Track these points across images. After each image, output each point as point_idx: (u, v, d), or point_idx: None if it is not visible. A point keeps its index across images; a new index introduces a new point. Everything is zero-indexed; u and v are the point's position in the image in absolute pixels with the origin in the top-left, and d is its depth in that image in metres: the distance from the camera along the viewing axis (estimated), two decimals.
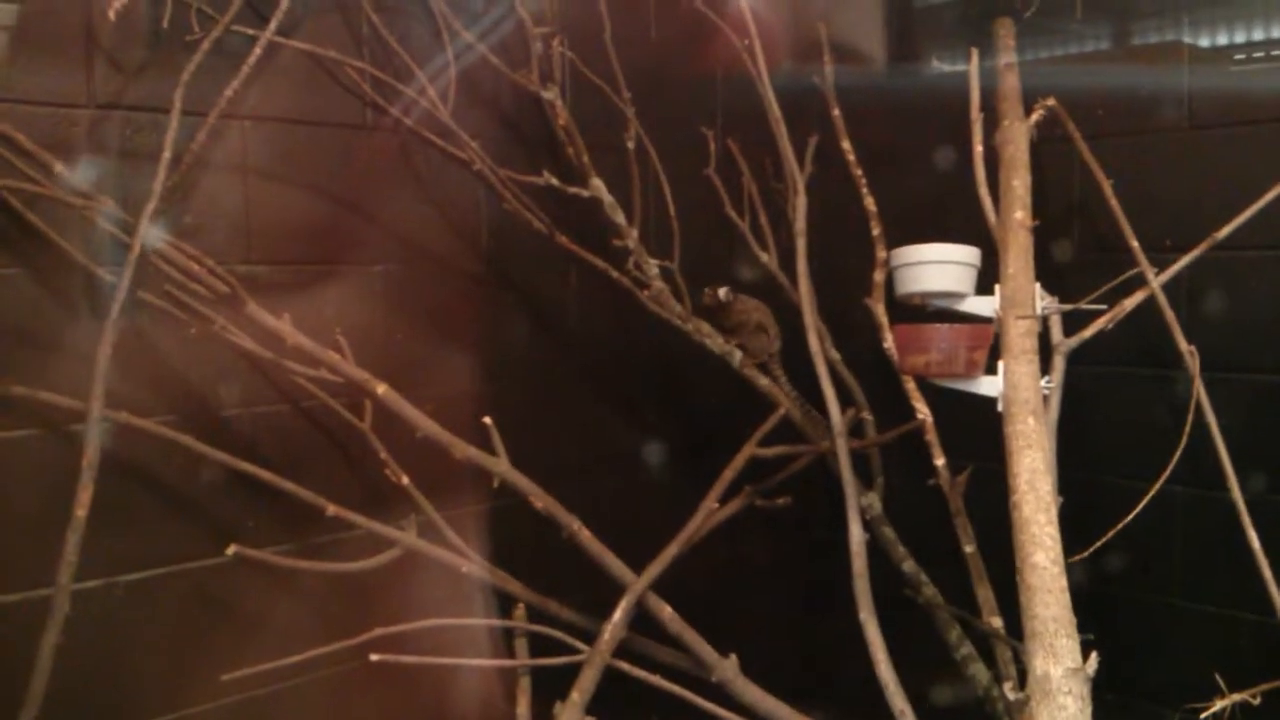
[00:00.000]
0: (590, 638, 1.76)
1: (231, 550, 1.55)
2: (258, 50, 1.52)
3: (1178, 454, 1.69)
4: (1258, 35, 1.95)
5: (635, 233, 1.91)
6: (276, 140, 1.64)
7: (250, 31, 1.55)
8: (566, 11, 1.89)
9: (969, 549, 1.93)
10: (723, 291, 1.95)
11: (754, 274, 2.14)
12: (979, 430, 1.79)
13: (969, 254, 1.92)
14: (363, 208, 1.75)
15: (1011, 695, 1.43)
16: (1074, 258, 1.99)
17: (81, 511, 1.38)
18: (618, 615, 1.75)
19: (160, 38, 1.50)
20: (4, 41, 1.43)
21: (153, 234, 1.45)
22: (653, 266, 1.92)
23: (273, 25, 1.55)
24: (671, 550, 1.83)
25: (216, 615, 1.61)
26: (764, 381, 2.01)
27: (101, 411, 1.40)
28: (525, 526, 1.78)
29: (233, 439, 1.60)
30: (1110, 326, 1.80)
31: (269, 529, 1.64)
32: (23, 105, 1.43)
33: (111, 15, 1.41)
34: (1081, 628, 1.42)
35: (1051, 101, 1.87)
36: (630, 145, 1.92)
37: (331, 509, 1.63)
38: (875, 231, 2.07)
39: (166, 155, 1.46)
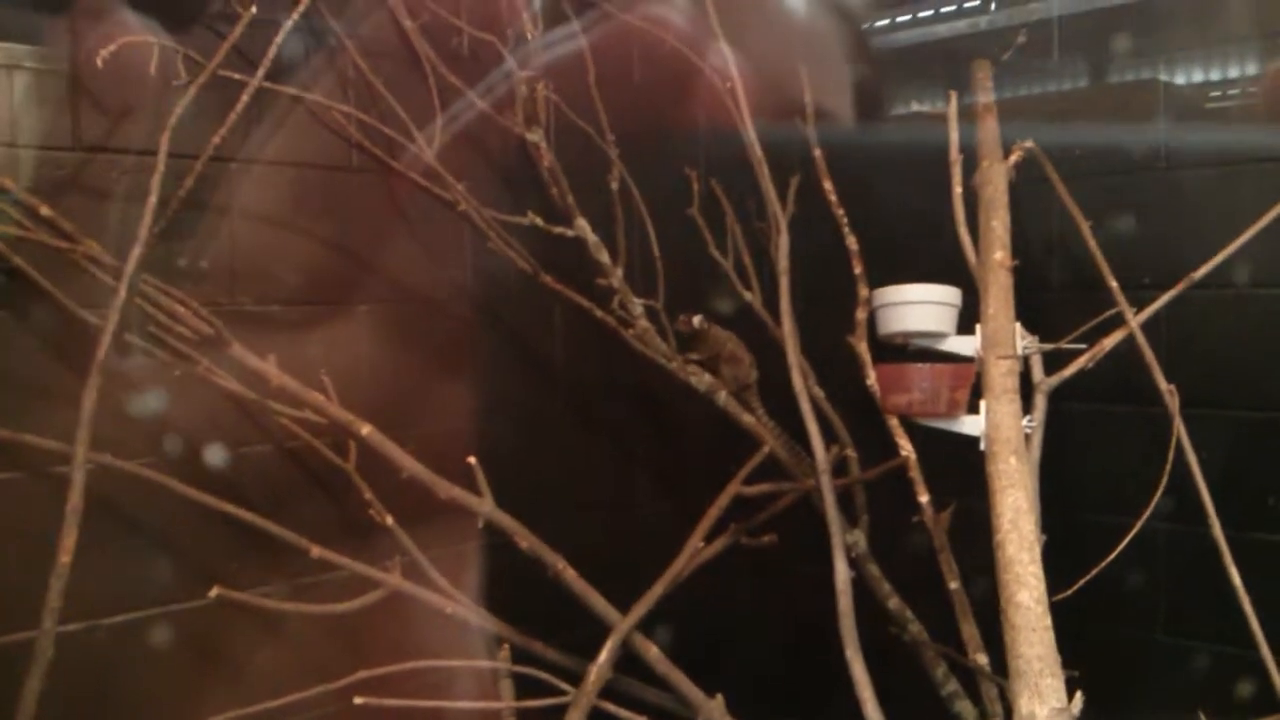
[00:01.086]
0: (576, 678, 1.76)
1: (214, 593, 1.55)
2: (245, 97, 1.54)
3: (1159, 491, 1.71)
4: (1233, 73, 1.98)
5: (619, 272, 1.92)
6: (262, 183, 1.65)
7: (237, 76, 1.56)
8: (551, 55, 1.90)
9: (954, 585, 1.94)
10: (696, 320, 1.96)
11: (737, 312, 2.15)
12: (962, 466, 1.80)
13: (950, 294, 1.93)
14: (349, 249, 1.75)
15: None
16: (1054, 297, 2.01)
17: (66, 557, 1.37)
18: (603, 656, 1.74)
19: (147, 82, 1.51)
20: None
21: (138, 277, 1.45)
22: (637, 305, 1.94)
23: (260, 73, 1.56)
24: (657, 590, 1.83)
25: (200, 658, 1.60)
26: (748, 419, 2.02)
27: (86, 456, 1.40)
28: (511, 566, 1.78)
29: (217, 480, 1.59)
30: (1091, 365, 1.82)
31: (253, 570, 1.63)
32: (8, 148, 1.44)
33: (100, 63, 1.42)
34: (1066, 665, 1.42)
35: (1030, 144, 1.90)
36: (614, 186, 1.93)
37: (316, 550, 1.62)
38: (857, 270, 2.09)
39: (153, 199, 1.47)
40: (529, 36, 1.83)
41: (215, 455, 1.60)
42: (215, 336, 1.53)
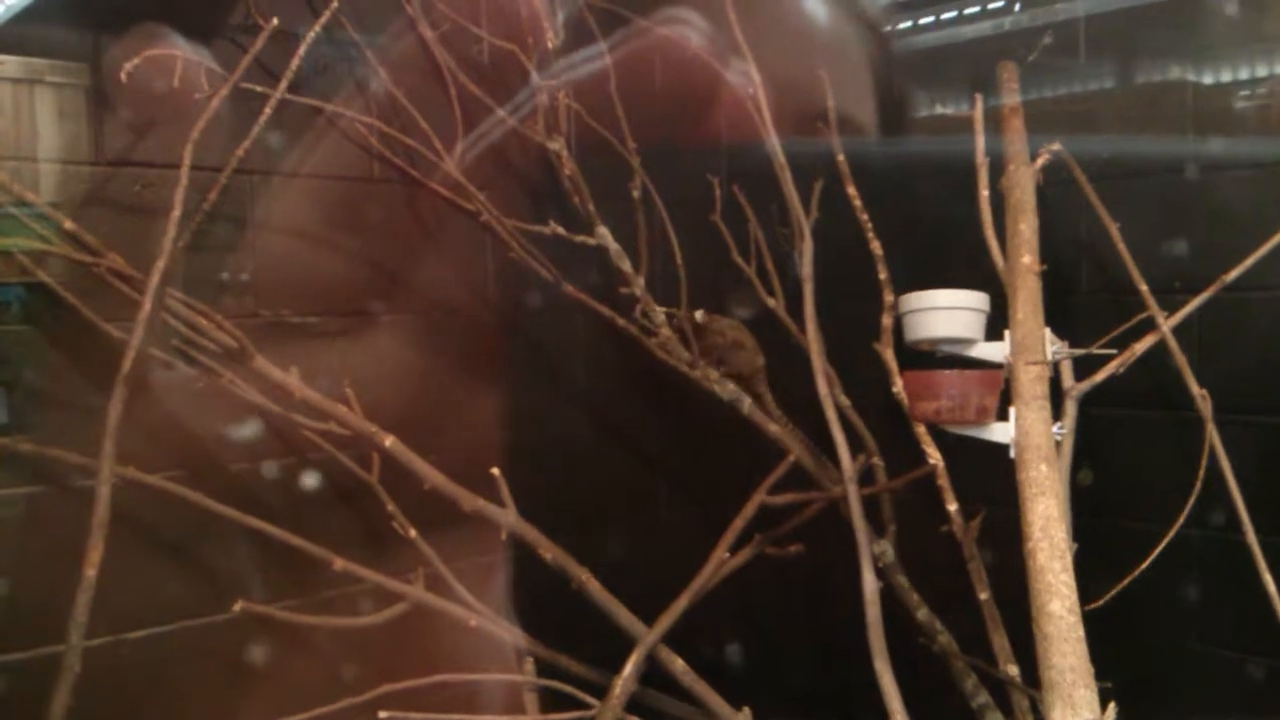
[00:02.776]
0: (601, 692, 1.74)
1: (238, 606, 1.54)
2: (268, 109, 1.54)
3: (1193, 498, 1.68)
4: (1263, 73, 1.96)
5: (642, 280, 1.91)
6: (285, 195, 1.65)
7: (259, 89, 1.56)
8: (572, 63, 1.90)
9: (984, 596, 1.91)
10: (699, 314, 1.95)
11: (761, 319, 2.14)
12: (991, 474, 1.78)
13: (978, 299, 1.91)
14: (371, 260, 1.75)
15: None
16: (1083, 302, 1.99)
17: (91, 571, 1.37)
18: (628, 669, 1.73)
19: (170, 96, 1.51)
20: (15, 98, 1.44)
21: (163, 290, 1.46)
22: (659, 314, 1.92)
23: (283, 84, 1.56)
24: (683, 602, 1.82)
25: (224, 671, 1.60)
26: (774, 428, 2.00)
27: (112, 469, 1.40)
28: (535, 578, 1.77)
29: (240, 493, 1.59)
30: (1121, 370, 1.79)
31: (276, 584, 1.63)
32: (32, 163, 1.45)
33: (124, 77, 1.42)
34: (1098, 674, 1.40)
35: (1057, 146, 1.88)
36: (636, 194, 1.92)
37: (339, 563, 1.62)
38: (883, 275, 2.07)
39: (177, 212, 1.47)
40: (550, 45, 1.82)
41: (239, 468, 1.60)
42: (239, 349, 1.53)
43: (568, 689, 1.76)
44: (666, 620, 1.79)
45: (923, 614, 2.01)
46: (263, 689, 1.61)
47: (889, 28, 2.36)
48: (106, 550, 1.39)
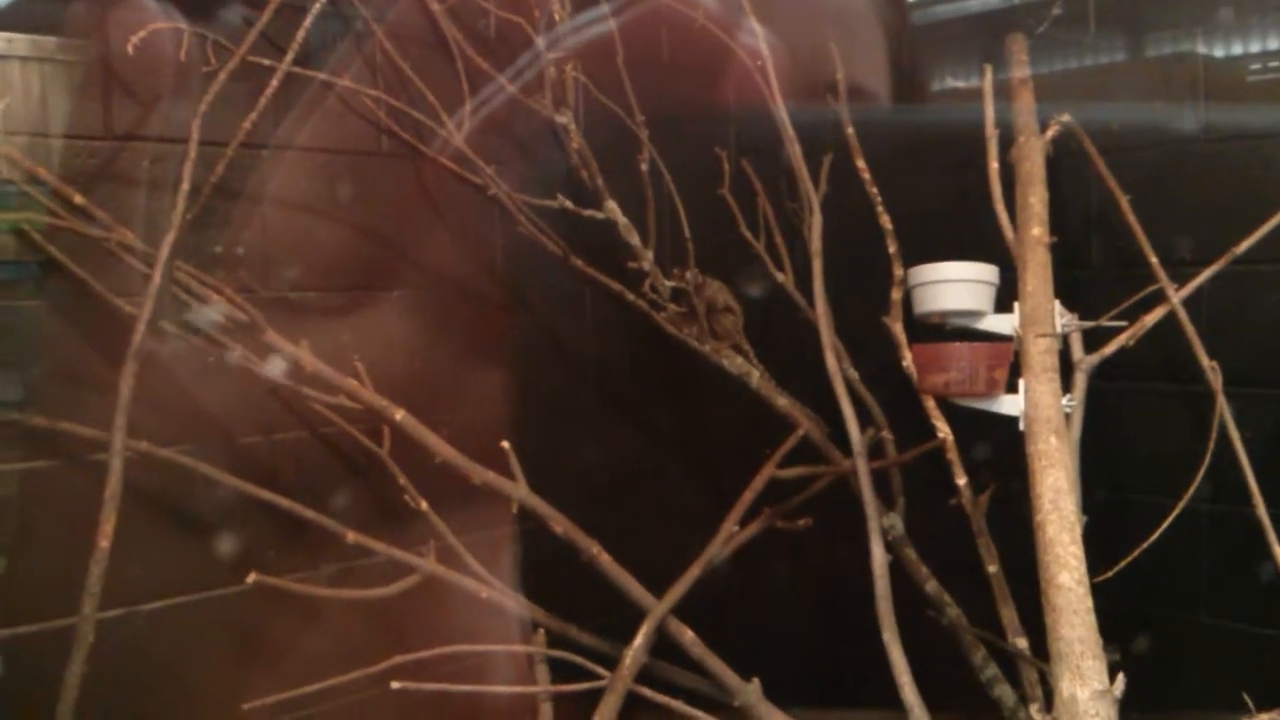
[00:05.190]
0: (612, 663, 1.75)
1: (252, 578, 1.56)
2: (275, 82, 1.54)
3: (1202, 470, 1.68)
4: (1274, 45, 1.94)
5: (650, 254, 1.91)
6: (292, 168, 1.65)
7: (267, 62, 1.56)
8: (579, 35, 1.89)
9: (992, 569, 1.91)
10: (689, 274, 1.94)
11: (770, 294, 2.13)
12: (1001, 448, 1.78)
13: (987, 272, 1.90)
14: (380, 234, 1.76)
15: (1038, 717, 1.42)
16: (1093, 274, 1.98)
17: (105, 542, 1.38)
18: (639, 640, 1.74)
19: (177, 70, 1.51)
20: (25, 75, 1.44)
21: (172, 264, 1.46)
22: (668, 288, 1.92)
23: (289, 57, 1.56)
24: (693, 573, 1.83)
25: (238, 643, 1.61)
26: (782, 402, 2.00)
27: (124, 443, 1.41)
28: (546, 550, 1.78)
29: (253, 467, 1.60)
30: (1131, 343, 1.79)
31: (289, 556, 1.64)
32: (41, 138, 1.45)
33: (130, 50, 1.42)
34: (1107, 646, 1.40)
35: (1067, 118, 1.87)
36: (644, 167, 1.92)
37: (351, 536, 1.63)
38: (892, 249, 2.06)
39: (185, 186, 1.47)
40: (557, 18, 1.81)
41: (250, 442, 1.61)
42: (249, 323, 1.54)
43: (578, 660, 1.77)
44: (676, 592, 1.79)
45: (931, 586, 2.02)
46: (276, 660, 1.63)
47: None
48: (120, 524, 1.40)
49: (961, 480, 1.94)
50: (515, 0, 1.80)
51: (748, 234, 2.12)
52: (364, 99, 1.70)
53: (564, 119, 1.83)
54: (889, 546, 1.89)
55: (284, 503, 1.59)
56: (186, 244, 1.50)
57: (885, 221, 2.08)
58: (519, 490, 1.72)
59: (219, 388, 1.57)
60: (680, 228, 1.97)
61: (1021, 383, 1.68)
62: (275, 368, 1.57)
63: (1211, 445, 1.68)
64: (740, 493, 1.91)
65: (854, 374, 2.07)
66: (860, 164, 2.10)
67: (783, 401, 2.02)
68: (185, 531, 1.56)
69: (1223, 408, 1.70)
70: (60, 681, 1.37)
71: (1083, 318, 1.85)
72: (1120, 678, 1.37)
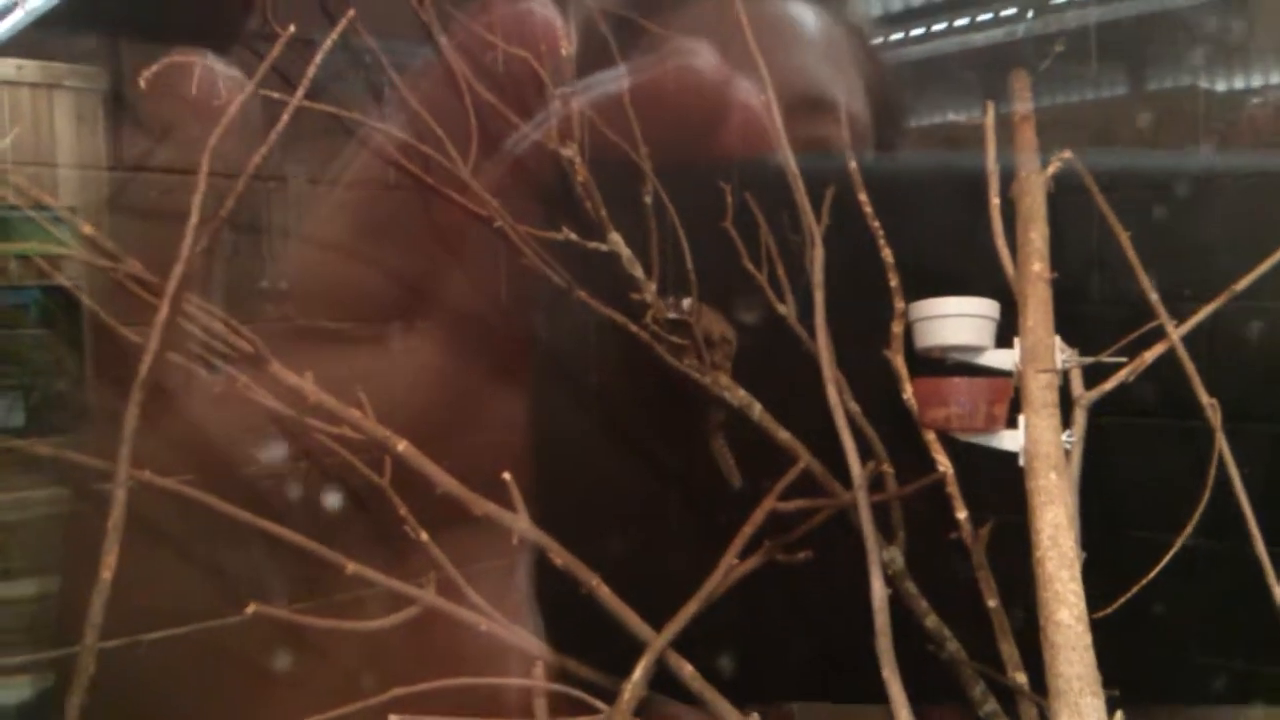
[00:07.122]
0: (610, 696, 1.75)
1: (251, 609, 1.56)
2: (285, 117, 1.55)
3: (1200, 507, 1.68)
4: (1276, 80, 1.96)
5: (653, 286, 1.92)
6: (302, 200, 1.66)
7: (276, 95, 1.58)
8: (585, 70, 1.91)
9: (992, 604, 1.92)
10: (686, 302, 1.94)
11: (771, 326, 2.14)
12: (1001, 482, 1.78)
13: (988, 307, 1.91)
14: (385, 265, 1.77)
15: None
16: (1093, 310, 1.99)
17: (107, 574, 1.39)
18: (638, 674, 1.74)
19: (188, 102, 1.53)
20: (34, 102, 1.46)
21: (181, 295, 1.47)
22: (667, 319, 1.93)
23: (300, 91, 1.58)
24: (692, 607, 1.82)
25: (237, 674, 1.62)
26: (783, 435, 2.01)
27: (128, 473, 1.42)
28: (546, 582, 1.78)
29: (255, 497, 1.61)
30: (1131, 379, 1.79)
31: (289, 587, 1.64)
32: (49, 167, 1.46)
33: (143, 83, 1.44)
34: (1105, 683, 1.41)
35: (1068, 154, 1.88)
36: (648, 200, 1.93)
37: (351, 567, 1.63)
38: (893, 283, 2.07)
39: (194, 218, 1.49)
40: (564, 53, 1.83)
41: (253, 472, 1.62)
42: (254, 354, 1.55)
43: (577, 693, 1.77)
44: (675, 625, 1.79)
45: (931, 621, 2.02)
46: (276, 691, 1.63)
47: (899, 35, 2.36)
48: (123, 553, 1.41)
49: (962, 514, 1.94)
50: (523, 36, 1.82)
51: (750, 266, 2.13)
52: (373, 132, 1.71)
53: (569, 152, 1.85)
54: (889, 580, 1.89)
55: (285, 533, 1.59)
56: (195, 276, 1.51)
57: (887, 255, 2.09)
58: (520, 522, 1.72)
59: (223, 418, 1.58)
60: (683, 260, 1.98)
61: (1021, 418, 1.69)
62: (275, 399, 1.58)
63: (1210, 482, 1.69)
64: (740, 525, 1.91)
65: (855, 407, 2.07)
66: (862, 198, 2.11)
67: (784, 434, 2.02)
68: (187, 562, 1.57)
69: (1222, 444, 1.71)
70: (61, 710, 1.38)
71: (1083, 353, 1.86)
72: (1119, 715, 1.37)
